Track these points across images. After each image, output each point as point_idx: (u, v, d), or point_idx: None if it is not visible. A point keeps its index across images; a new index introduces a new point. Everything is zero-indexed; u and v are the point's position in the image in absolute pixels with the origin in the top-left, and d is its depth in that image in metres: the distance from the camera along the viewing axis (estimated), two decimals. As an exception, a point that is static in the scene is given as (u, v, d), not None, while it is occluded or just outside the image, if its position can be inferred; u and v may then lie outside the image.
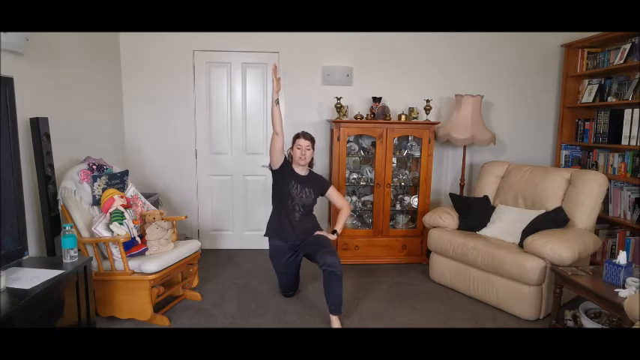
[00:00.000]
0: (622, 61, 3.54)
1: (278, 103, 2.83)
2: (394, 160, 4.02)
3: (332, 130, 3.98)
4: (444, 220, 3.50)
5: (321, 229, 3.10)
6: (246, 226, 4.29)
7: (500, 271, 2.97)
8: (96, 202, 2.87)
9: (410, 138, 4.00)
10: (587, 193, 3.12)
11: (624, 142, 3.49)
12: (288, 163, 3.02)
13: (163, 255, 2.78)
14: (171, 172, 4.17)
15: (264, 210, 4.03)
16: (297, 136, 3.01)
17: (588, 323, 2.52)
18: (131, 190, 3.11)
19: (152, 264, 2.66)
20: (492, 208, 3.53)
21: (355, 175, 4.07)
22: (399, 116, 3.89)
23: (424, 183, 3.90)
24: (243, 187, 4.25)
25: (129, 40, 3.94)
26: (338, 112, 3.80)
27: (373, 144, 3.95)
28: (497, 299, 3.04)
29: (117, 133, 3.93)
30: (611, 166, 3.70)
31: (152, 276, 2.65)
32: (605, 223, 3.74)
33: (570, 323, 2.70)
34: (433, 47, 4.16)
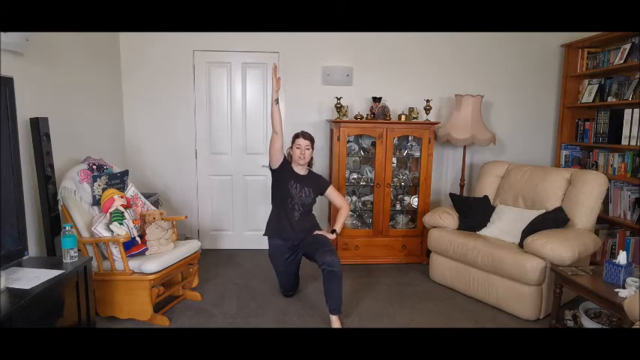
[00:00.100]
0: (622, 61, 3.54)
1: (278, 102, 2.83)
2: (394, 160, 4.02)
3: (332, 130, 3.99)
4: (444, 220, 3.50)
5: (320, 229, 3.10)
6: (246, 226, 4.29)
7: (500, 271, 2.97)
8: (96, 202, 2.87)
9: (410, 138, 4.00)
10: (587, 193, 3.12)
11: (624, 142, 3.49)
12: (287, 162, 3.02)
13: (163, 255, 2.78)
14: (171, 172, 4.17)
15: (264, 210, 4.03)
16: (296, 136, 3.01)
17: (588, 323, 2.52)
18: (131, 190, 3.11)
19: (152, 264, 2.66)
20: (492, 208, 3.53)
21: (355, 175, 4.07)
22: (399, 116, 3.89)
23: (424, 183, 3.90)
24: (243, 187, 4.25)
25: (129, 40, 3.94)
26: (338, 112, 3.80)
27: (373, 144, 3.95)
28: (497, 299, 3.04)
29: (117, 133, 3.93)
30: (611, 166, 3.70)
31: (152, 276, 2.65)
32: (605, 223, 3.74)
33: (570, 323, 2.70)
34: (433, 47, 4.16)
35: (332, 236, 3.00)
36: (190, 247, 3.01)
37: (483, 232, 3.38)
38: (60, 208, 2.69)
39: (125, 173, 3.14)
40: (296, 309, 3.02)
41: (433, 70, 4.20)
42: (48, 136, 2.64)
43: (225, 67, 4.07)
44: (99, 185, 2.88)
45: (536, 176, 3.42)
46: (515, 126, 4.37)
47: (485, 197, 3.62)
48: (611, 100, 3.73)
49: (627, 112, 3.46)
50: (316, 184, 3.08)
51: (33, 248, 2.59)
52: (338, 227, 3.06)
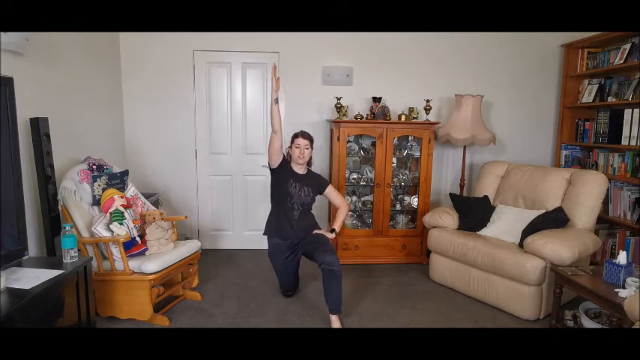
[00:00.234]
0: (622, 61, 3.54)
1: (277, 102, 2.83)
2: (394, 160, 4.02)
3: (332, 130, 3.99)
4: (444, 220, 3.50)
5: (319, 228, 3.10)
6: (246, 226, 4.29)
7: (500, 271, 2.97)
8: (96, 202, 2.87)
9: (410, 138, 4.00)
10: (587, 193, 3.12)
11: (624, 142, 3.49)
12: (286, 162, 3.02)
13: (163, 255, 2.78)
14: (171, 172, 4.17)
15: (264, 210, 4.02)
16: (295, 136, 3.02)
17: (588, 323, 2.52)
18: (131, 190, 3.11)
19: (152, 264, 2.66)
20: (492, 208, 3.53)
21: (355, 175, 4.07)
22: (399, 116, 3.89)
23: (424, 183, 3.90)
24: (243, 187, 4.25)
25: (129, 40, 3.94)
26: (338, 112, 3.80)
27: (373, 144, 3.95)
28: (497, 299, 3.04)
29: (117, 133, 3.94)
30: (611, 166, 3.70)
31: (152, 276, 2.65)
32: (605, 223, 3.74)
33: (570, 323, 2.70)
34: (433, 47, 4.16)
35: (331, 235, 3.00)
36: (190, 247, 3.01)
37: (483, 232, 3.38)
38: (60, 208, 2.69)
39: (125, 173, 3.14)
40: (296, 309, 3.02)
41: (433, 70, 4.20)
42: (48, 136, 2.64)
43: (225, 67, 4.07)
44: (99, 185, 2.88)
45: (536, 176, 3.42)
46: (515, 126, 4.37)
47: (485, 197, 3.62)
48: (611, 100, 3.73)
49: (627, 112, 3.46)
50: (315, 183, 3.08)
51: (33, 248, 2.59)
52: (337, 226, 3.07)
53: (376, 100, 3.96)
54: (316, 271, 3.07)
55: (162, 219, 2.95)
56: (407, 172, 4.16)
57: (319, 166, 4.05)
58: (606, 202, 3.65)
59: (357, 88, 4.14)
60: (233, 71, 4.08)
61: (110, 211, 2.73)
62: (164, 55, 3.98)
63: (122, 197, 2.83)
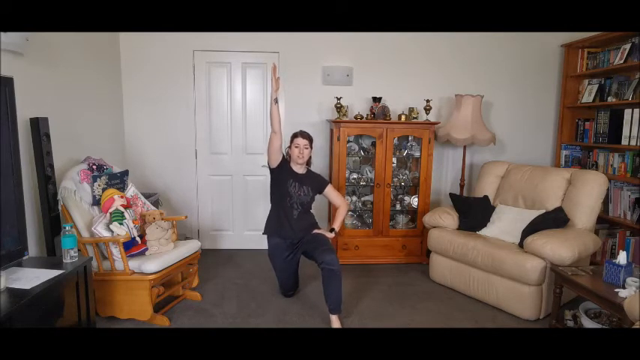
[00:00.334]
0: (622, 61, 3.54)
1: (277, 102, 2.83)
2: (394, 160, 4.02)
3: (332, 130, 3.98)
4: (444, 220, 3.50)
5: (319, 228, 3.10)
6: (246, 226, 4.29)
7: (500, 271, 2.97)
8: (96, 202, 2.87)
9: (410, 138, 4.00)
10: (587, 193, 3.12)
11: (624, 142, 3.49)
12: (286, 161, 3.03)
13: (163, 255, 2.78)
14: (171, 172, 4.17)
15: (263, 210, 4.01)
16: (294, 135, 3.02)
17: (588, 323, 2.52)
18: (131, 190, 3.11)
19: (152, 264, 2.66)
20: (492, 208, 3.53)
21: (355, 175, 4.07)
22: (399, 116, 3.89)
23: (424, 183, 3.90)
24: (243, 187, 4.25)
25: (129, 40, 3.94)
26: (338, 112, 3.80)
27: (373, 144, 3.95)
28: (497, 299, 3.04)
29: (117, 133, 3.94)
30: (611, 166, 3.70)
31: (152, 276, 2.65)
32: (605, 223, 3.74)
33: (570, 323, 2.70)
34: (433, 47, 4.16)
35: (331, 235, 3.00)
36: (190, 247, 3.01)
37: (483, 232, 3.38)
38: (60, 208, 2.69)
39: (125, 173, 3.14)
40: (296, 309, 3.02)
41: (433, 70, 4.20)
42: (48, 136, 2.64)
43: (225, 67, 4.07)
44: (99, 185, 2.88)
45: (536, 176, 3.42)
46: (515, 126, 4.37)
47: (485, 197, 3.62)
48: (611, 100, 3.73)
49: (627, 112, 3.46)
50: (315, 182, 3.09)
51: (33, 248, 2.59)
52: (337, 226, 3.07)
53: (376, 100, 3.96)
54: (316, 271, 3.07)
55: (162, 219, 2.95)
56: (407, 172, 4.16)
57: (319, 166, 4.05)
58: (606, 202, 3.65)
59: (357, 88, 4.14)
60: (233, 71, 4.08)
61: (110, 211, 2.73)
62: (164, 55, 3.98)
63: (122, 197, 2.83)
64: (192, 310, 2.97)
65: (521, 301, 2.89)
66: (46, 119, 2.64)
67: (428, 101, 3.89)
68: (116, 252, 2.66)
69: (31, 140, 2.59)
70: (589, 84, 4.02)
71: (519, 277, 2.86)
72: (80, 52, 3.27)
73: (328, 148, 4.19)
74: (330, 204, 3.94)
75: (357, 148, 4.08)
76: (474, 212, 3.50)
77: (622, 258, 2.37)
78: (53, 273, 2.07)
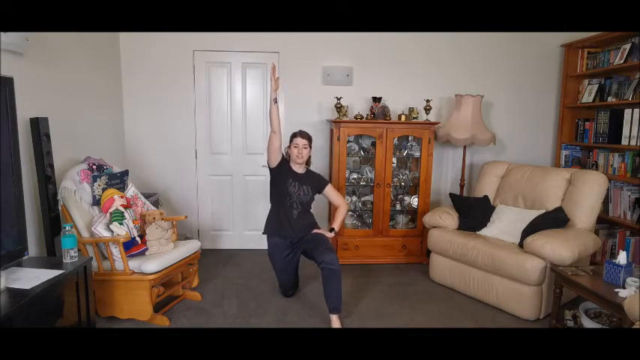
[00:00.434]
0: (622, 61, 3.54)
1: (276, 102, 2.83)
2: (394, 160, 4.02)
3: (332, 130, 3.99)
4: (444, 220, 3.50)
5: (318, 227, 3.10)
6: (246, 226, 4.29)
7: (500, 271, 2.97)
8: (96, 202, 2.87)
9: (410, 138, 4.00)
10: (587, 193, 3.12)
11: (624, 142, 3.49)
12: (285, 161, 3.03)
13: (163, 255, 2.78)
14: (171, 172, 4.17)
15: (263, 210, 4.01)
16: (294, 135, 3.02)
17: (588, 323, 2.52)
18: (131, 190, 3.11)
19: (152, 264, 2.66)
20: (492, 208, 3.53)
21: (355, 175, 4.07)
22: (399, 116, 3.89)
23: (424, 183, 3.90)
24: (243, 187, 4.25)
25: (129, 40, 3.94)
26: (338, 112, 3.80)
27: (373, 144, 3.95)
28: (497, 299, 3.04)
29: (117, 133, 3.94)
30: (611, 166, 3.70)
31: (152, 276, 2.65)
32: (605, 223, 3.74)
33: (570, 323, 2.70)
34: (433, 47, 4.16)
35: (330, 235, 3.01)
36: (190, 247, 3.01)
37: (483, 232, 3.38)
38: (60, 208, 2.69)
39: (125, 173, 3.14)
40: (296, 309, 3.02)
41: (433, 70, 4.20)
42: (48, 136, 2.64)
43: (225, 67, 4.07)
44: (99, 185, 2.88)
45: (536, 176, 3.42)
46: (515, 126, 4.37)
47: (486, 197, 3.62)
48: (611, 100, 3.73)
49: (627, 112, 3.46)
50: (314, 182, 3.09)
51: (33, 248, 2.59)
52: (336, 226, 3.07)
53: (376, 100, 3.96)
54: (316, 271, 3.07)
55: (162, 219, 2.95)
56: (407, 172, 4.16)
57: (319, 166, 4.05)
58: (606, 202, 3.65)
59: (357, 88, 4.14)
60: (233, 71, 4.08)
61: (110, 211, 2.73)
62: (164, 55, 3.98)
63: (122, 197, 2.83)
64: (192, 310, 2.97)
65: (521, 301, 2.89)
66: (46, 119, 2.64)
67: (428, 101, 3.89)
68: (116, 252, 2.66)
69: (31, 140, 2.59)
70: (589, 84, 4.02)
71: (519, 277, 2.86)
72: (80, 52, 3.27)
73: (328, 148, 4.19)
74: (330, 204, 3.94)
75: (357, 148, 4.08)
76: (474, 212, 3.50)
77: (622, 258, 2.37)
78: (53, 273, 2.07)
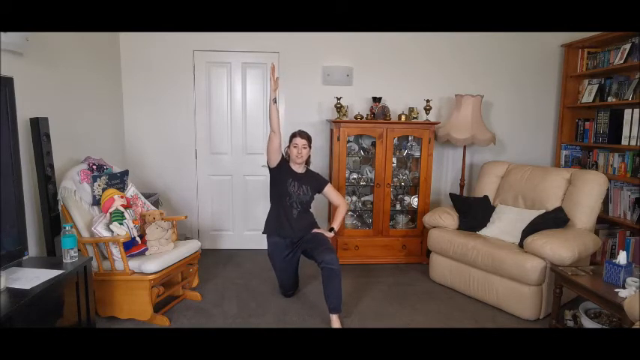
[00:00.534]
0: (622, 61, 3.54)
1: (276, 102, 2.83)
2: (394, 160, 4.02)
3: (332, 130, 3.99)
4: (444, 220, 3.50)
5: (318, 227, 3.11)
6: (246, 226, 4.29)
7: (500, 271, 2.97)
8: (96, 202, 2.87)
9: (410, 138, 4.00)
10: (587, 193, 3.12)
11: (624, 142, 3.49)
12: (285, 161, 3.03)
13: (163, 255, 2.78)
14: (171, 172, 4.17)
15: (263, 210, 4.01)
16: (293, 135, 3.02)
17: (588, 323, 2.52)
18: (131, 190, 3.11)
19: (152, 264, 2.66)
20: (492, 208, 3.53)
21: (355, 175, 4.07)
22: (399, 116, 3.89)
23: (424, 183, 3.90)
24: (243, 187, 4.25)
25: (129, 40, 3.94)
26: (338, 112, 3.80)
27: (373, 144, 3.95)
28: (497, 299, 3.04)
29: (117, 133, 3.94)
30: (611, 166, 3.70)
31: (152, 276, 2.65)
32: (605, 223, 3.74)
33: (570, 323, 2.70)
34: (433, 47, 4.16)
35: (330, 234, 3.01)
36: (190, 247, 3.01)
37: (483, 232, 3.38)
38: (60, 208, 2.69)
39: (125, 173, 3.14)
40: (296, 309, 3.02)
41: (433, 70, 4.20)
42: (48, 136, 2.64)
43: (225, 67, 4.07)
44: (99, 185, 2.88)
45: (536, 176, 3.42)
46: (515, 126, 4.37)
47: (486, 197, 3.62)
48: (611, 100, 3.73)
49: (627, 112, 3.46)
50: (314, 182, 3.09)
51: (33, 248, 2.59)
52: (336, 225, 3.08)
53: (376, 100, 3.96)
54: (316, 271, 3.08)
55: (162, 219, 2.95)
56: (407, 172, 4.16)
57: (319, 166, 4.05)
58: (606, 202, 3.65)
59: (357, 88, 4.14)
60: (233, 71, 4.08)
61: (110, 211, 2.73)
62: (164, 55, 3.98)
63: (122, 197, 2.83)
64: (192, 310, 2.97)
65: (521, 301, 2.89)
66: (46, 119, 2.64)
67: (428, 101, 3.89)
68: (116, 252, 2.66)
69: (31, 140, 2.59)
70: (589, 84, 4.02)
71: (519, 277, 2.86)
72: (80, 52, 3.27)
73: (328, 148, 4.19)
74: (330, 203, 3.94)
75: (357, 148, 4.08)
76: (474, 212, 3.50)
77: (622, 258, 2.37)
78: (53, 273, 2.07)
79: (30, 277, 2.00)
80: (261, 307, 3.04)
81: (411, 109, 3.90)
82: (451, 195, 3.73)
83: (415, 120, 3.89)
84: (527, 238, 2.94)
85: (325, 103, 4.13)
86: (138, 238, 2.82)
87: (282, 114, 4.04)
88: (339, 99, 3.81)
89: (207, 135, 4.15)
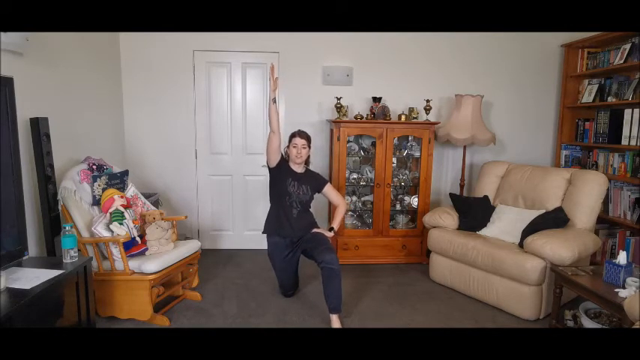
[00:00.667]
0: (622, 61, 3.54)
1: (275, 102, 2.84)
2: (394, 160, 4.02)
3: (332, 130, 3.99)
4: (444, 220, 3.50)
5: (318, 227, 3.11)
6: (246, 226, 4.29)
7: (500, 271, 2.97)
8: (96, 202, 2.87)
9: (410, 138, 4.00)
10: (587, 193, 3.12)
11: (624, 142, 3.49)
12: (285, 161, 3.04)
13: (163, 255, 2.78)
14: (171, 172, 4.17)
15: (263, 210, 4.01)
16: (293, 135, 3.02)
17: (588, 323, 2.52)
18: (131, 190, 3.11)
19: (152, 264, 2.66)
20: (492, 208, 3.53)
21: (355, 175, 4.07)
22: (399, 116, 3.89)
23: (424, 183, 3.90)
24: (243, 187, 4.25)
25: (129, 40, 3.94)
26: (338, 112, 3.80)
27: (373, 144, 3.95)
28: (497, 299, 3.04)
29: (117, 133, 3.94)
30: (611, 166, 3.70)
31: (152, 276, 2.65)
32: (605, 223, 3.74)
33: (570, 323, 2.70)
34: (433, 47, 4.16)
35: (330, 234, 3.01)
36: (190, 247, 3.01)
37: (483, 232, 3.38)
38: (60, 208, 2.69)
39: (125, 173, 3.14)
40: (296, 309, 3.02)
41: (433, 70, 4.20)
42: (48, 136, 2.64)
43: (225, 67, 4.07)
44: (99, 185, 2.88)
45: (536, 176, 3.42)
46: (515, 126, 4.37)
47: (486, 197, 3.62)
48: (611, 100, 3.73)
49: (627, 112, 3.46)
50: (314, 181, 3.09)
51: (33, 248, 2.59)
52: (336, 225, 3.08)
53: (376, 100, 3.96)
54: (316, 271, 3.08)
55: (162, 219, 2.95)
56: (407, 172, 4.16)
57: (319, 166, 4.05)
58: (606, 202, 3.65)
59: (357, 88, 4.14)
60: (233, 71, 4.08)
61: (110, 211, 2.73)
62: (164, 55, 3.98)
63: (122, 197, 2.83)
64: (192, 310, 2.97)
65: (521, 301, 2.89)
66: (46, 119, 2.64)
67: (428, 101, 3.89)
68: (116, 252, 2.66)
69: (31, 140, 2.59)
70: (589, 84, 4.02)
71: (519, 277, 2.86)
72: (80, 52, 3.27)
73: (328, 148, 4.19)
74: (329, 203, 3.94)
75: (357, 148, 4.08)
76: (474, 212, 3.50)
77: (622, 258, 2.37)
78: (53, 273, 2.07)
79: (30, 277, 2.00)
80: (261, 307, 3.04)
81: (411, 109, 3.90)
82: (451, 195, 3.73)
83: (415, 120, 3.89)
84: (527, 238, 2.94)
85: (325, 103, 4.13)
86: (138, 238, 2.82)
87: (282, 114, 4.04)
88: (339, 99, 3.81)
89: (207, 135, 4.15)
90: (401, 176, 4.11)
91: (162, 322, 2.76)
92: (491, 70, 4.25)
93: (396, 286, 3.46)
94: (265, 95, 4.10)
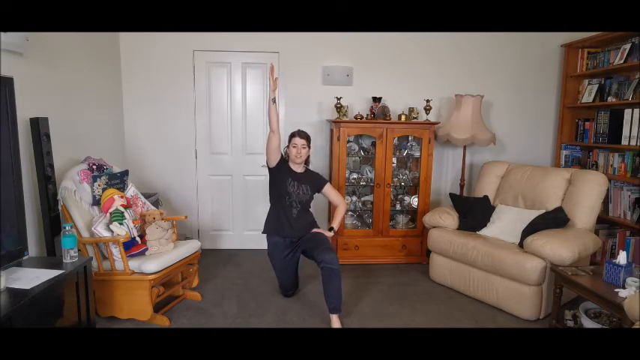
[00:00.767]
0: (622, 61, 3.54)
1: (275, 102, 2.84)
2: (394, 160, 4.02)
3: (332, 130, 3.99)
4: (444, 220, 3.50)
5: (318, 226, 3.11)
6: (246, 226, 4.30)
7: (500, 271, 2.97)
8: (96, 202, 2.87)
9: (410, 138, 4.00)
10: (587, 193, 3.12)
11: (624, 142, 3.49)
12: (285, 161, 3.04)
13: (163, 255, 2.78)
14: (171, 172, 4.17)
15: (263, 210, 4.01)
16: (292, 135, 3.02)
17: (588, 323, 2.52)
18: (131, 190, 3.11)
19: (152, 264, 2.66)
20: (492, 208, 3.53)
21: (355, 175, 4.07)
22: (399, 116, 3.89)
23: (424, 183, 3.90)
24: (243, 187, 4.25)
25: (129, 40, 3.94)
26: (338, 112, 3.80)
27: (373, 144, 3.95)
28: (497, 299, 3.04)
29: (117, 133, 3.94)
30: (611, 166, 3.70)
31: (152, 276, 2.65)
32: (605, 223, 3.74)
33: (570, 323, 2.70)
34: (433, 47, 4.16)
35: (330, 234, 3.01)
36: (190, 247, 3.01)
37: (483, 232, 3.38)
38: (60, 208, 2.69)
39: (125, 173, 3.14)
40: (296, 309, 3.02)
41: (433, 70, 4.20)
42: (48, 136, 2.64)
43: (225, 67, 4.07)
44: (99, 185, 2.88)
45: (536, 176, 3.42)
46: (515, 126, 4.37)
47: (486, 197, 3.62)
48: (611, 100, 3.73)
49: (627, 112, 3.46)
50: (313, 181, 3.09)
51: (33, 248, 2.59)
52: (335, 225, 3.08)
53: (376, 100, 3.96)
54: (316, 271, 3.07)
55: (162, 219, 2.95)
56: (407, 172, 4.16)
57: (319, 166, 4.05)
58: (606, 202, 3.65)
59: (357, 88, 4.14)
60: (233, 71, 4.08)
61: (110, 211, 2.73)
62: (164, 55, 3.98)
63: (122, 197, 2.83)
64: (192, 310, 2.97)
65: (521, 301, 2.89)
66: (46, 119, 2.64)
67: (428, 101, 3.89)
68: (116, 252, 2.66)
69: (31, 140, 2.59)
70: (589, 84, 4.02)
71: (519, 277, 2.86)
72: (80, 52, 3.27)
73: (328, 148, 4.19)
74: (329, 203, 3.94)
75: (357, 148, 4.08)
76: (474, 212, 3.50)
77: (622, 258, 2.37)
78: (53, 273, 2.07)
79: (30, 277, 2.00)
80: (261, 307, 3.04)
81: (411, 109, 3.90)
82: (451, 195, 3.73)
83: (415, 120, 3.89)
84: (527, 238, 2.94)
85: (325, 103, 4.13)
86: (138, 238, 2.82)
87: (282, 114, 4.04)
88: (339, 99, 3.81)
89: (207, 135, 4.15)
90: (401, 176, 4.11)
91: (162, 322, 2.76)
92: (491, 70, 4.25)
93: (396, 286, 3.46)
94: (265, 95, 4.10)
